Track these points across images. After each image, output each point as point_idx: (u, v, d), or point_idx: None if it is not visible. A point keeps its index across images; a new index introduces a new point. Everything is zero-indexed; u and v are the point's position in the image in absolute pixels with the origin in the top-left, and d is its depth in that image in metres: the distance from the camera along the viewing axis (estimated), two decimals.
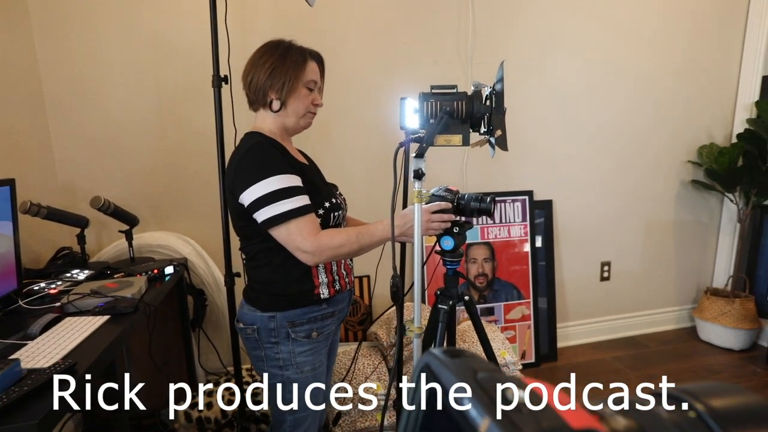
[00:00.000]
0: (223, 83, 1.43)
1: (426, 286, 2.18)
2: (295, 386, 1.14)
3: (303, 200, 1.03)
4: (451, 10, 2.17)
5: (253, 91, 1.12)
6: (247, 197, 1.02)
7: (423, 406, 0.27)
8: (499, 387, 0.23)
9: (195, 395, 1.77)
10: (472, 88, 0.96)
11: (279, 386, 1.15)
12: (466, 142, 0.93)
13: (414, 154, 0.94)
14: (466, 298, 1.29)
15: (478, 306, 2.29)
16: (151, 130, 1.91)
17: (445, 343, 1.30)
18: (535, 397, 0.22)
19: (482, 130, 0.94)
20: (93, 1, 1.77)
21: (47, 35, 1.75)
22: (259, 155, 1.04)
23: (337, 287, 1.17)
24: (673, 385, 0.28)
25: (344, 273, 1.21)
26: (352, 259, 1.28)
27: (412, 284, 1.38)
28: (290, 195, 1.01)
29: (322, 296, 1.13)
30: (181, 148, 1.95)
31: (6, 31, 1.60)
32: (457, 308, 1.29)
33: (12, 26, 1.64)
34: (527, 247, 2.40)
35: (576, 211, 2.54)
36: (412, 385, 0.28)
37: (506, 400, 0.22)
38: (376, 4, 2.08)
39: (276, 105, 1.11)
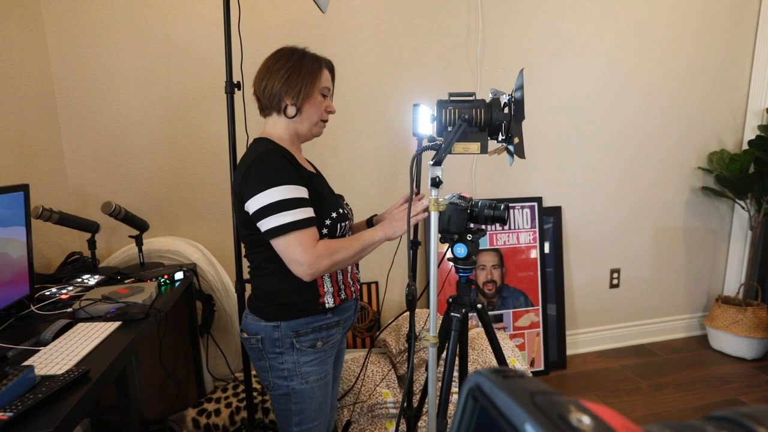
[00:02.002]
0: (235, 89, 1.43)
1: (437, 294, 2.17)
2: (301, 397, 1.12)
3: (307, 212, 1.01)
4: (461, 15, 2.18)
5: (267, 97, 1.11)
6: (252, 205, 1.01)
7: (473, 429, 0.26)
8: (562, 410, 0.22)
9: (203, 402, 1.77)
10: (491, 95, 0.95)
11: (284, 397, 1.13)
12: (484, 149, 0.92)
13: (431, 162, 0.93)
14: (479, 306, 1.28)
15: None
16: (162, 135, 1.92)
17: (458, 352, 1.28)
18: (599, 422, 0.22)
19: (500, 137, 0.94)
20: (106, 7, 1.79)
21: (60, 41, 1.77)
22: (267, 163, 1.02)
23: (343, 296, 1.16)
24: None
25: (350, 282, 1.19)
26: (359, 268, 1.27)
27: (424, 289, 1.37)
28: (294, 206, 0.99)
29: (327, 305, 1.12)
30: (192, 154, 1.96)
31: (20, 37, 1.61)
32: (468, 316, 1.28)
33: (25, 32, 1.65)
34: (536, 254, 2.39)
35: (585, 218, 2.53)
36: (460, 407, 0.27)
37: (570, 426, 0.21)
38: (386, 11, 2.08)
39: (291, 111, 1.11)
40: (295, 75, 1.08)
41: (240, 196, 1.05)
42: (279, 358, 1.10)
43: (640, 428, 0.22)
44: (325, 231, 1.08)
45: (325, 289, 1.12)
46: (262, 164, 1.02)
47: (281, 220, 0.98)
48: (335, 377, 1.34)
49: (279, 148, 1.08)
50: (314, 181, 1.10)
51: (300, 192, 1.01)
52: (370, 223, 1.34)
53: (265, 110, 1.16)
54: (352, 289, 1.20)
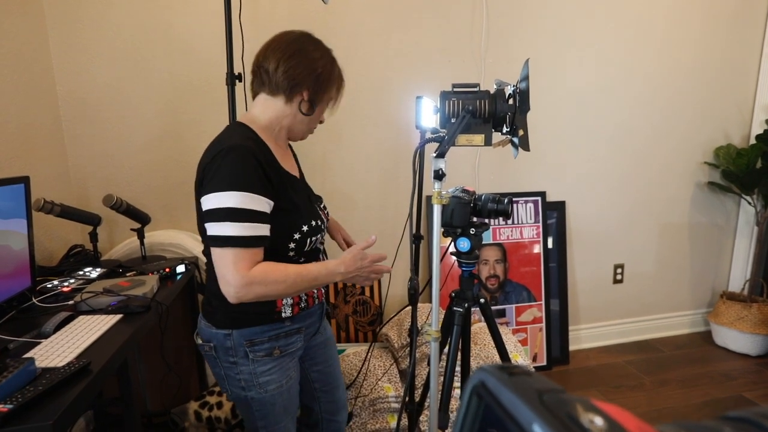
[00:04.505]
0: (237, 81, 1.42)
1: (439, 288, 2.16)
2: (261, 404, 1.05)
3: (256, 229, 0.89)
4: (465, 8, 2.15)
5: (287, 76, 0.97)
6: (204, 204, 0.90)
7: (477, 428, 0.25)
8: (572, 410, 0.21)
9: (205, 394, 1.77)
10: (495, 86, 0.93)
11: (244, 404, 1.06)
12: (488, 141, 0.90)
13: (434, 154, 0.91)
14: (482, 300, 1.27)
15: None
16: (164, 128, 1.91)
17: (460, 346, 1.28)
18: (610, 421, 0.20)
19: (504, 129, 0.92)
20: None
21: (61, 34, 1.75)
22: (232, 162, 0.89)
23: (303, 305, 1.07)
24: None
25: (314, 291, 1.10)
26: None
27: (427, 283, 1.36)
28: (244, 219, 0.87)
29: (284, 315, 1.03)
30: (193, 147, 1.95)
31: (21, 29, 1.60)
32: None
33: (27, 24, 1.64)
34: (539, 249, 2.37)
35: (589, 213, 2.51)
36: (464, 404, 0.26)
37: (581, 426, 0.20)
38: (390, 3, 2.06)
39: (305, 107, 1.02)
40: (329, 75, 1.02)
41: (198, 189, 0.94)
42: (234, 368, 1.02)
43: (654, 429, 0.21)
44: (292, 245, 0.98)
45: (284, 301, 1.03)
46: (226, 161, 0.89)
47: (223, 230, 0.87)
48: (330, 374, 1.27)
49: (253, 145, 0.94)
50: (289, 186, 0.99)
51: (257, 203, 0.89)
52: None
53: (269, 88, 1.00)
54: (315, 295, 1.11)
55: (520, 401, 0.22)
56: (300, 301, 1.06)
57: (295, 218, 0.98)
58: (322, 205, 1.15)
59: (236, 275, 0.87)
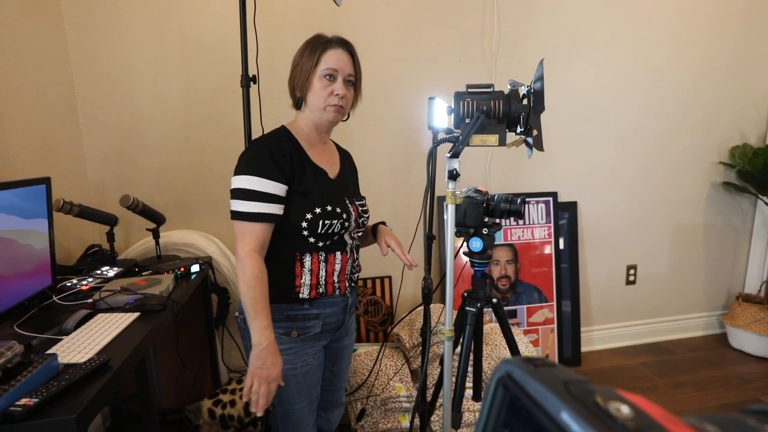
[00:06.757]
0: (251, 83, 1.44)
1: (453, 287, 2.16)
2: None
3: (263, 207, 1.03)
4: (476, 9, 2.15)
5: (290, 92, 1.15)
6: (232, 185, 1.07)
7: (502, 418, 0.26)
8: (598, 399, 0.21)
9: (219, 392, 1.79)
10: (509, 86, 0.93)
11: None
12: (502, 142, 0.91)
13: (448, 155, 0.92)
14: (494, 300, 1.27)
15: None
16: (179, 129, 1.94)
17: (472, 346, 1.28)
18: (637, 410, 0.21)
19: (519, 129, 0.92)
20: (123, 3, 1.81)
21: (79, 38, 1.79)
22: (251, 151, 1.09)
23: (321, 290, 1.12)
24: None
25: (335, 280, 1.14)
26: (357, 265, 1.22)
27: (440, 283, 1.36)
28: (254, 198, 1.02)
29: (301, 295, 1.10)
30: (208, 148, 1.98)
31: (40, 32, 1.64)
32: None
33: (46, 28, 1.68)
34: (551, 249, 2.36)
35: (601, 213, 2.49)
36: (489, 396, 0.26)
37: (608, 414, 0.20)
38: (401, 4, 2.07)
39: (302, 103, 1.13)
40: (298, 65, 1.11)
41: None
42: None
43: (678, 418, 0.22)
44: (304, 224, 1.06)
45: (302, 280, 1.10)
46: (247, 151, 1.10)
47: (236, 207, 1.04)
48: (337, 375, 1.31)
49: (276, 138, 1.10)
50: (309, 174, 1.09)
51: (265, 186, 1.03)
52: (375, 229, 1.29)
53: (295, 105, 1.18)
54: (337, 286, 1.15)
55: (547, 391, 0.22)
56: (318, 285, 1.12)
57: (305, 202, 1.07)
58: (358, 203, 1.20)
59: (239, 245, 1.03)
